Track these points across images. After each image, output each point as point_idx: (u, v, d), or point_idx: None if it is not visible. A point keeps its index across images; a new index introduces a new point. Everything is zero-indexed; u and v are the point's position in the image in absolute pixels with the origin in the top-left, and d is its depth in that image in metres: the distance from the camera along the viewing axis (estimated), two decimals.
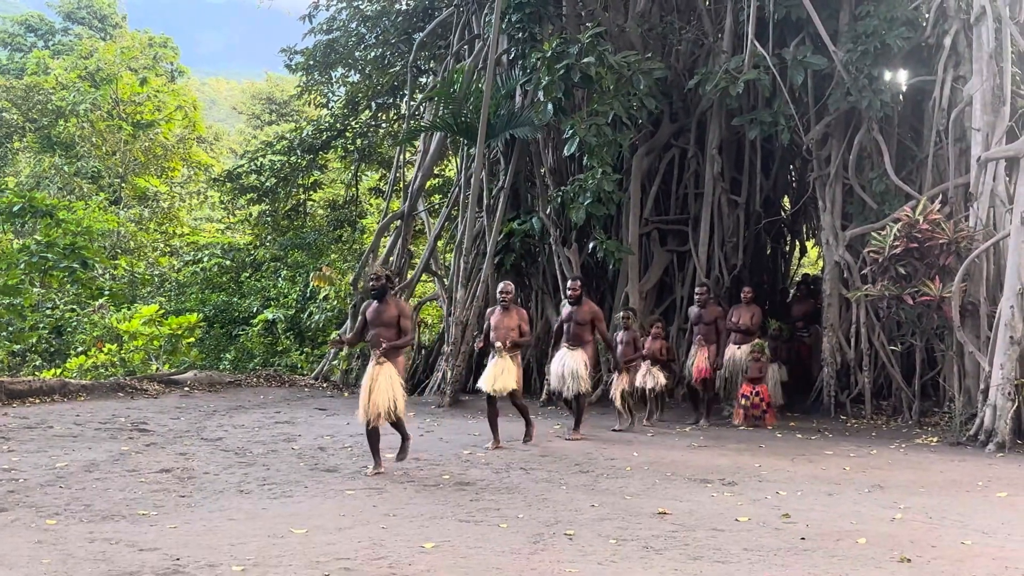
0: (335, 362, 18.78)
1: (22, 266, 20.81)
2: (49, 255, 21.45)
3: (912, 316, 14.39)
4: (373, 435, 10.36)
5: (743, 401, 14.82)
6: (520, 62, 17.54)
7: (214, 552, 7.17)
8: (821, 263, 18.28)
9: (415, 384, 18.32)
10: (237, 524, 8.15)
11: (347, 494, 9.51)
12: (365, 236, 23.98)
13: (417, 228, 22.22)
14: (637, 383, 14.40)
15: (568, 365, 12.79)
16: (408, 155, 21.73)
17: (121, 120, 32.64)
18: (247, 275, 23.23)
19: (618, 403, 13.99)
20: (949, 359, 14.57)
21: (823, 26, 15.61)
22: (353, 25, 23.19)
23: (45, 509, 8.48)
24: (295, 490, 9.66)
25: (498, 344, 12.05)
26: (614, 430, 13.80)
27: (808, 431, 14.51)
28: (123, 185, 31.36)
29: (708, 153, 17.36)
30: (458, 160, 19.79)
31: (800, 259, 21.32)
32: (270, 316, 21.11)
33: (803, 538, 7.92)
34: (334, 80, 25.14)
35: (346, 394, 17.97)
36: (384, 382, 10.08)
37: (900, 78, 16.63)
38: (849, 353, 16.01)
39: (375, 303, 10.49)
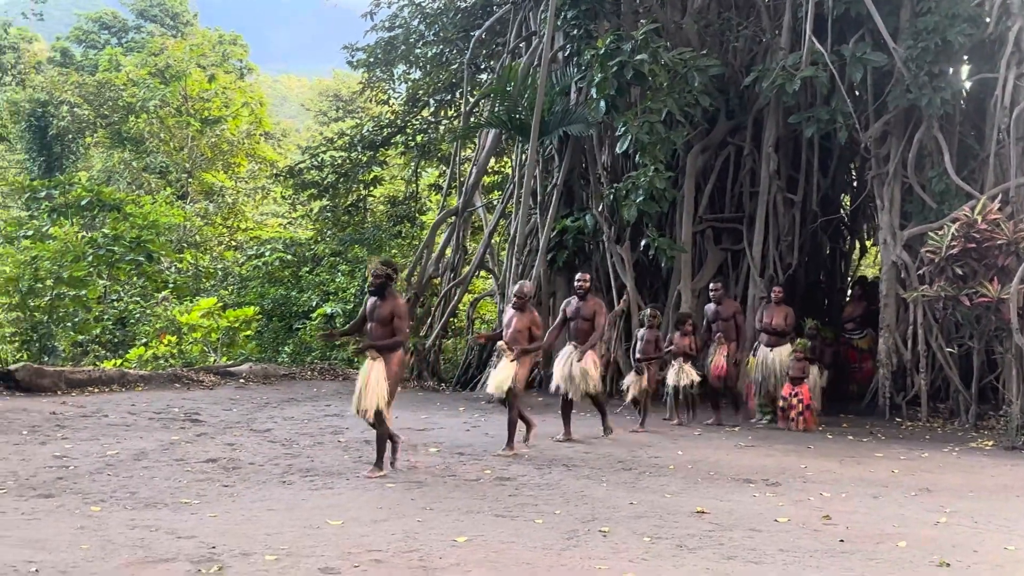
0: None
1: (89, 258, 21.26)
2: (116, 248, 21.91)
3: (970, 318, 14.10)
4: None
5: (781, 402, 14.42)
6: (575, 59, 17.51)
7: (249, 541, 7.27)
8: (878, 263, 17.99)
9: (467, 380, 18.37)
10: (275, 514, 8.26)
11: (387, 487, 9.59)
12: (424, 232, 24.07)
13: (475, 224, 22.31)
14: (670, 381, 14.29)
15: (576, 364, 12.42)
16: (468, 151, 21.78)
17: (189, 116, 33.20)
18: (307, 270, 23.46)
19: (628, 398, 13.91)
20: (1008, 362, 14.23)
21: (883, 22, 15.34)
22: (415, 23, 23.33)
23: (91, 496, 8.67)
24: (336, 482, 9.75)
25: (500, 344, 11.80)
26: (632, 430, 13.51)
27: (860, 433, 14.28)
28: (190, 180, 31.89)
29: (764, 151, 17.14)
30: (513, 157, 19.82)
31: (860, 259, 20.91)
32: (329, 310, 21.29)
33: (842, 540, 7.82)
34: (395, 77, 25.29)
35: (401, 388, 18.09)
36: (374, 378, 9.90)
37: (962, 75, 16.28)
38: (906, 355, 15.71)
39: (375, 299, 10.22)
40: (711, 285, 15.36)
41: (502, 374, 11.55)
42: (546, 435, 12.52)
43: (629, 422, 14.23)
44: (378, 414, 9.98)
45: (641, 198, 15.74)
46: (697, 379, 14.30)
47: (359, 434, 12.66)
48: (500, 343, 11.78)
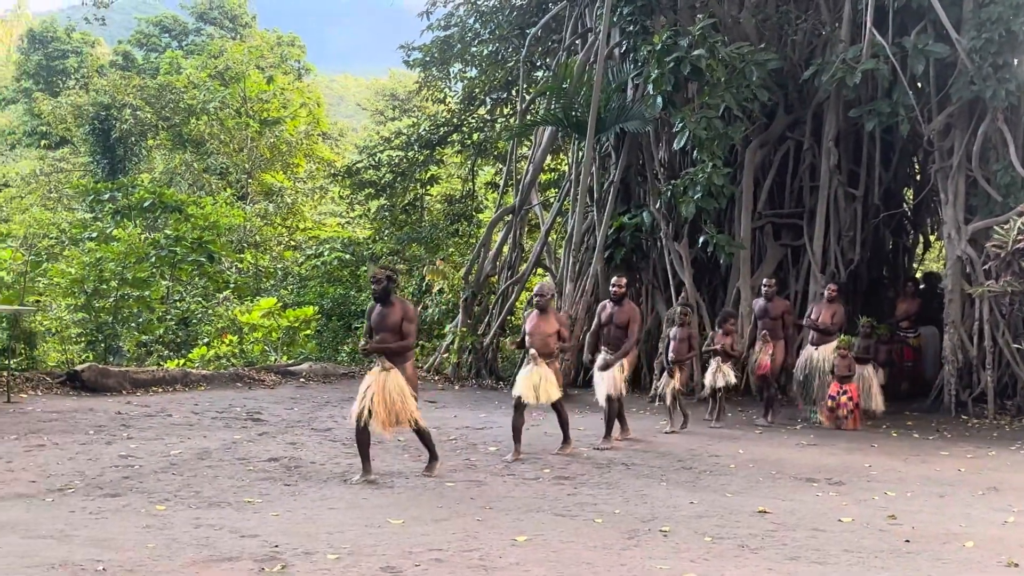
0: (446, 355, 18.98)
1: (152, 259, 21.58)
2: (178, 249, 22.23)
3: None
4: (363, 436, 9.68)
5: (829, 402, 14.01)
6: (631, 55, 17.43)
7: (312, 540, 7.34)
8: (943, 257, 17.69)
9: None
10: (337, 513, 8.33)
11: (447, 485, 9.62)
12: (481, 230, 24.11)
13: (532, 222, 22.30)
14: (707, 381, 13.94)
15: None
16: (525, 149, 21.77)
17: (248, 117, 33.55)
18: (365, 269, 23.60)
19: (668, 402, 13.30)
20: None
21: (945, 13, 15.08)
22: (470, 21, 23.35)
23: (156, 495, 8.81)
24: (396, 481, 9.81)
25: (532, 351, 11.01)
26: (665, 432, 13.06)
27: (926, 431, 14.06)
28: (250, 181, 32.24)
29: (824, 145, 16.92)
30: (570, 154, 19.78)
31: (923, 254, 20.57)
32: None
33: (907, 540, 7.72)
34: (451, 76, 25.35)
35: (457, 387, 18.14)
36: (394, 391, 9.46)
37: None
38: (972, 351, 15.43)
39: (379, 306, 9.71)
40: (764, 281, 14.99)
41: (542, 383, 10.94)
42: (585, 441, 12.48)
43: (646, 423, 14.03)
44: (415, 424, 9.84)
45: (699, 194, 15.63)
46: (733, 381, 13.86)
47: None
48: (532, 351, 11.01)
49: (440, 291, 21.01)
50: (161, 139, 34.67)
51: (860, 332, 14.66)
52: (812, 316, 14.64)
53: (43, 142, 41.54)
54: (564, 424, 11.42)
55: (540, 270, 20.81)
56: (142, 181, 28.88)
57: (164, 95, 34.08)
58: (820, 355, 14.28)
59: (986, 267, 14.83)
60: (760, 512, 8.63)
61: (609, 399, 11.98)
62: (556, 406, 11.22)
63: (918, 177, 19.42)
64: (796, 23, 17.66)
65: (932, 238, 20.26)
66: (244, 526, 7.76)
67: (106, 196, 25.88)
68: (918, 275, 19.22)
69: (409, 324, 9.62)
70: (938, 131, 15.92)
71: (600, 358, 12.06)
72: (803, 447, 12.45)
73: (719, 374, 13.69)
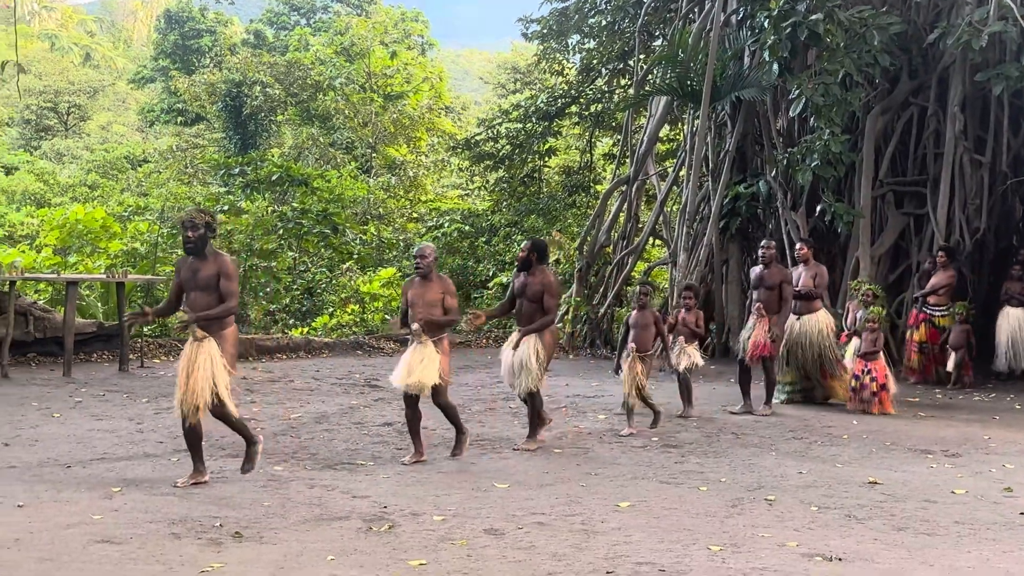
0: (560, 325, 19.03)
1: (279, 231, 22.16)
2: (304, 221, 22.77)
3: None
4: (192, 436, 7.93)
5: (853, 382, 12.38)
6: (748, 22, 17.11)
7: (419, 502, 7.50)
8: None
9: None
10: (445, 477, 8.49)
11: (554, 452, 9.70)
12: (598, 201, 24.08)
13: (648, 193, 22.14)
14: (672, 363, 12.02)
15: (517, 355, 9.73)
16: (641, 120, 21.60)
17: (372, 93, 34.04)
18: (483, 240, 23.79)
19: (632, 400, 10.67)
20: None
21: None
22: None
23: (275, 456, 9.09)
24: (505, 447, 9.93)
25: (415, 326, 8.84)
26: (623, 435, 10.67)
27: None
28: (373, 154, 32.72)
29: (950, 111, 16.33)
30: (685, 124, 19.57)
31: None
32: (505, 280, 21.56)
33: (1022, 513, 7.50)
34: (569, 48, 25.25)
35: (571, 356, 18.22)
36: (203, 364, 7.61)
37: None
38: None
39: (190, 259, 7.91)
40: (762, 243, 12.82)
41: (420, 366, 8.84)
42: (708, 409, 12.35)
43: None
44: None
45: (816, 163, 15.36)
46: (700, 363, 11.99)
47: None
48: (414, 325, 8.87)
49: (556, 261, 21.07)
50: (289, 114, 35.40)
51: (862, 301, 13.35)
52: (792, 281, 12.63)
53: (179, 119, 42.79)
54: (453, 420, 9.31)
55: (658, 240, 20.71)
56: (271, 156, 29.61)
57: (292, 72, 34.78)
58: (801, 327, 12.55)
59: None
60: (870, 483, 8.49)
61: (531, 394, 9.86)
62: (435, 400, 9.08)
63: None
64: None
65: None
66: (356, 487, 7.98)
67: (237, 171, 26.61)
68: (944, 245, 17.01)
69: (228, 282, 7.81)
70: None
71: (513, 337, 9.85)
72: (921, 419, 12.15)
73: (684, 355, 11.82)
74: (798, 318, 12.54)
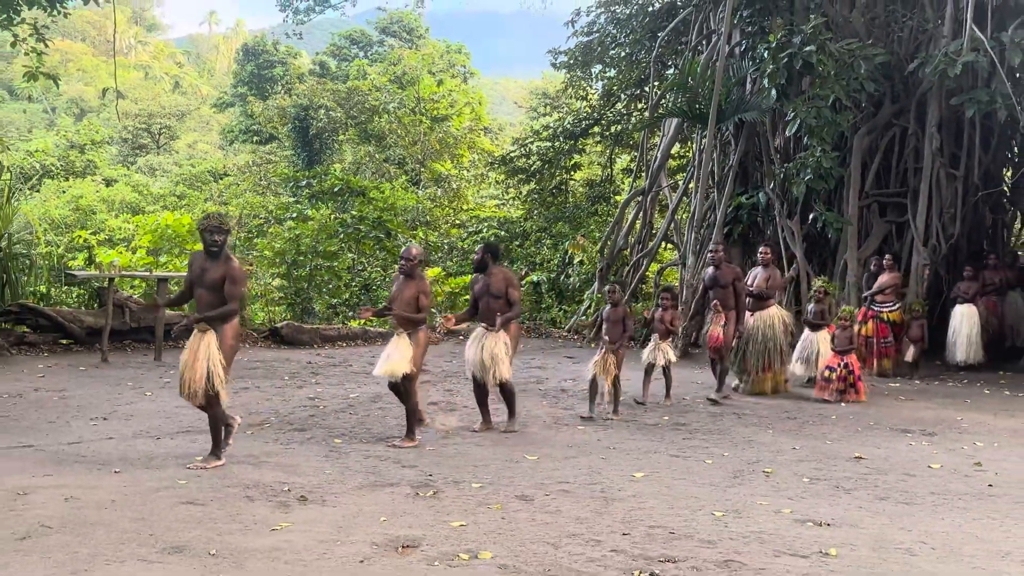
0: (583, 317, 19.00)
1: (340, 236, 22.23)
2: (361, 227, 22.80)
3: None
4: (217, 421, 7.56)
5: (828, 373, 11.87)
6: (750, 53, 16.99)
7: (459, 471, 7.54)
8: None
9: (644, 340, 18.24)
10: (483, 450, 8.52)
11: (577, 429, 9.69)
12: (617, 210, 23.99)
13: (661, 202, 22.05)
14: (645, 358, 11.38)
15: (486, 349, 9.23)
16: (655, 139, 21.50)
17: (421, 115, 34.01)
18: (517, 244, 23.77)
19: (607, 386, 10.34)
20: None
21: None
22: (609, 28, 23.11)
23: (335, 430, 9.16)
24: (534, 423, 9.92)
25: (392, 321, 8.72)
26: (583, 416, 10.26)
27: (1017, 388, 13.42)
28: (422, 169, 32.70)
29: (928, 131, 16.15)
30: (694, 142, 19.47)
31: (1021, 229, 19.44)
32: (535, 278, 21.53)
33: (990, 485, 7.47)
34: (593, 76, 25.19)
35: (593, 345, 18.13)
36: (203, 354, 7.24)
37: None
38: None
39: (203, 257, 7.49)
40: (710, 246, 12.29)
41: (393, 355, 8.59)
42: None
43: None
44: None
45: (809, 176, 15.26)
46: (673, 359, 11.49)
47: (556, 384, 12.82)
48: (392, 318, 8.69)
49: (580, 262, 21.02)
50: (349, 134, 35.49)
51: (813, 297, 12.92)
52: (748, 281, 12.28)
53: (255, 138, 43.07)
54: (410, 414, 8.74)
55: (669, 244, 20.61)
56: (333, 170, 29.67)
57: (352, 97, 34.87)
58: (755, 322, 12.09)
59: None
60: (856, 458, 8.46)
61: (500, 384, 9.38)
62: (397, 386, 8.69)
63: (1016, 158, 18.36)
64: (902, 21, 16.87)
65: None
66: (405, 458, 8.02)
67: (304, 183, 26.73)
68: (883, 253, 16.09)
69: (233, 286, 7.35)
70: None
71: (479, 333, 9.35)
72: (901, 401, 12.07)
73: (659, 352, 11.33)
74: (752, 314, 12.14)
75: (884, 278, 14.76)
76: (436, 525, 5.92)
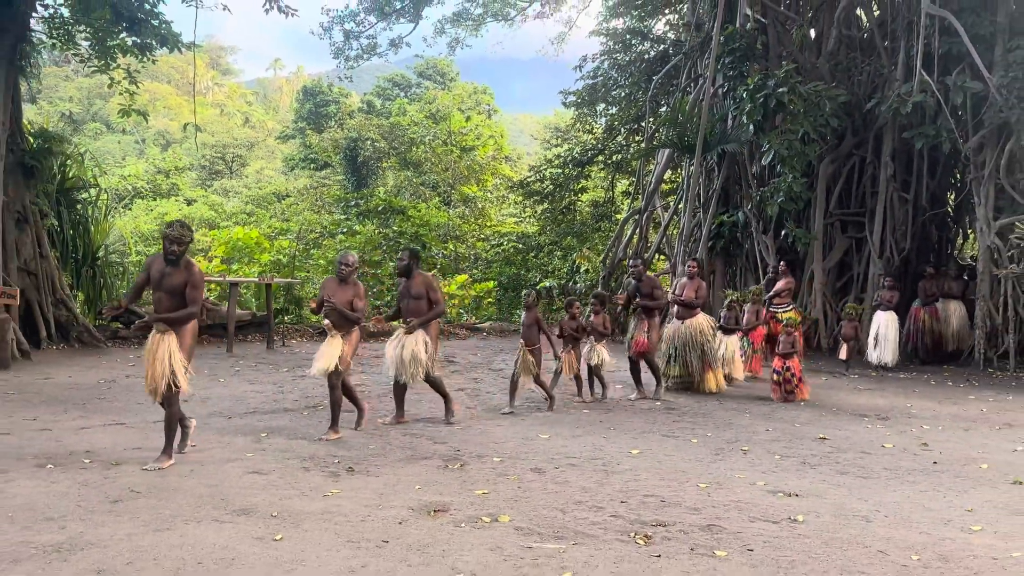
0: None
1: (383, 247, 22.31)
2: (401, 240, 22.87)
3: None
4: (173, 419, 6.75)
5: (775, 376, 11.03)
6: (731, 93, 16.92)
7: (483, 447, 7.52)
8: (976, 247, 16.53)
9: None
10: (503, 429, 8.49)
11: (583, 412, 9.67)
12: (619, 226, 23.91)
13: (655, 220, 21.98)
14: (583, 358, 10.56)
15: (406, 348, 8.61)
16: (650, 166, 21.45)
17: (452, 146, 34.06)
18: (532, 255, 23.76)
19: (532, 384, 9.81)
20: None
21: (980, 58, 14.12)
22: (611, 72, 23.12)
23: (378, 412, 9.14)
24: (544, 406, 9.89)
25: (326, 322, 8.01)
26: (503, 412, 9.54)
27: (958, 380, 13.27)
28: (452, 191, 32.77)
29: (883, 160, 16.09)
30: (683, 169, 19.40)
31: (962, 245, 19.28)
32: (547, 284, 21.52)
33: (935, 462, 7.38)
34: (597, 113, 25.16)
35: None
36: (163, 355, 6.50)
37: None
38: (998, 319, 14.45)
39: (161, 262, 6.65)
40: (630, 263, 11.43)
41: (327, 353, 7.92)
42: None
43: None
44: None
45: (782, 199, 15.19)
46: (608, 360, 10.58)
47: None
48: (326, 321, 8.04)
49: (585, 271, 20.98)
50: (391, 162, 35.57)
51: (727, 306, 12.35)
52: (676, 292, 11.62)
53: (312, 166, 43.20)
54: (334, 406, 7.94)
55: (661, 256, 20.53)
56: (378, 192, 29.78)
57: (394, 131, 34.94)
58: (685, 329, 11.30)
59: (1010, 253, 13.88)
60: (820, 438, 8.38)
61: (428, 380, 8.72)
62: (330, 381, 7.95)
63: (958, 184, 18.21)
64: (861, 66, 16.82)
65: (969, 232, 18.95)
66: (437, 436, 8.01)
67: (352, 203, 26.82)
68: (782, 259, 15.64)
69: (193, 291, 6.62)
70: (973, 149, 14.93)
71: (400, 334, 8.66)
72: (860, 391, 11.94)
73: (594, 353, 10.54)
74: (682, 322, 11.31)
75: (780, 283, 14.04)
76: (463, 493, 5.92)
